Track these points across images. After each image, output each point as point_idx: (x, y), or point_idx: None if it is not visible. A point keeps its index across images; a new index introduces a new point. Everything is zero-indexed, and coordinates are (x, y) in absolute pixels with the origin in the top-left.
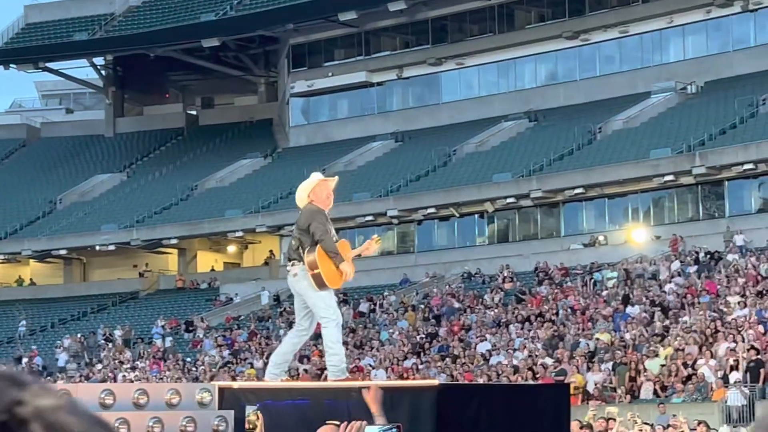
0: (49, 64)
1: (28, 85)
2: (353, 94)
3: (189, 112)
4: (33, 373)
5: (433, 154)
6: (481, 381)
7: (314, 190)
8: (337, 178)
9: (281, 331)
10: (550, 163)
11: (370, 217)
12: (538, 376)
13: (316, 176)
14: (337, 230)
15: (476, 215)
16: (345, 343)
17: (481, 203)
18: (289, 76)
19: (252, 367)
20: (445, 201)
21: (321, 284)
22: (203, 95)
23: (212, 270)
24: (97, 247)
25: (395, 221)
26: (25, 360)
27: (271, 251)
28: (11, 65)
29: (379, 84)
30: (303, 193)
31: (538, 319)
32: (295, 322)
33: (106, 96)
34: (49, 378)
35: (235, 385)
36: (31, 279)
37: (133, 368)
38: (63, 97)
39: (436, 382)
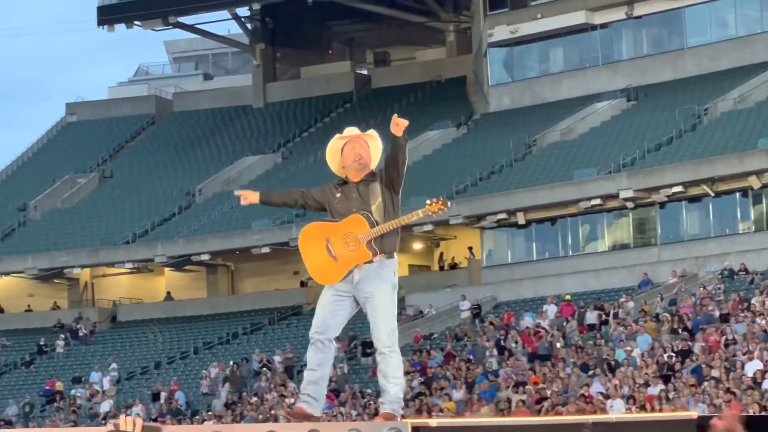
0: (182, 19)
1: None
2: (570, 41)
3: (358, 71)
4: (172, 412)
5: (677, 116)
6: (751, 412)
7: (344, 157)
8: (350, 130)
9: (486, 353)
10: None
11: (597, 201)
12: None
13: (339, 140)
14: (555, 218)
15: (737, 193)
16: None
17: (743, 177)
18: (485, 21)
19: (450, 399)
20: (695, 176)
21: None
22: (376, 50)
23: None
24: (252, 251)
25: (630, 205)
26: (163, 395)
27: (470, 248)
28: (135, 23)
29: (603, 26)
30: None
31: None
32: (326, 337)
33: (254, 56)
34: (194, 417)
35: (432, 422)
36: (167, 292)
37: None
38: (199, 59)
39: (693, 414)
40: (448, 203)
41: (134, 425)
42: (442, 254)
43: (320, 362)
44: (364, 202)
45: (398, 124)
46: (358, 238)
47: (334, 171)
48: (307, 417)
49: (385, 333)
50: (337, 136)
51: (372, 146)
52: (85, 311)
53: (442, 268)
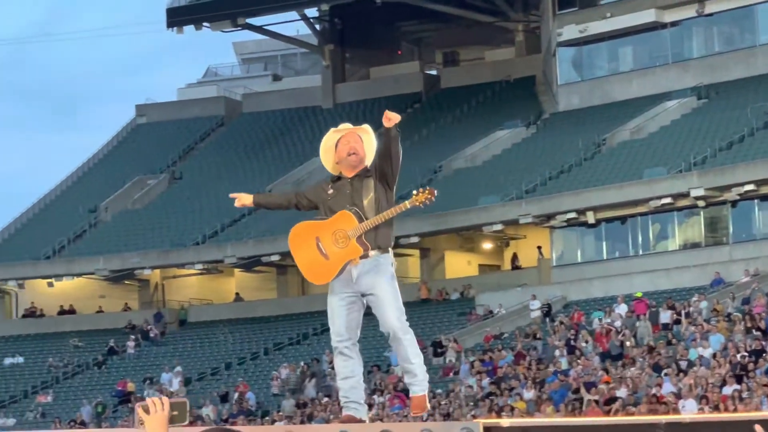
0: (251, 20)
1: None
2: (640, 40)
3: (428, 71)
4: (243, 413)
5: (749, 114)
6: None
7: (338, 152)
8: (344, 126)
9: (556, 352)
10: None
11: (667, 200)
12: None
13: (333, 135)
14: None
15: None
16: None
17: None
18: (554, 20)
19: (521, 399)
20: (767, 175)
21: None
22: (445, 49)
23: (464, 275)
24: None
25: (701, 203)
26: (234, 396)
27: (539, 248)
28: (204, 24)
29: (674, 24)
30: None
31: None
32: (350, 343)
33: (323, 57)
34: (264, 418)
35: (504, 422)
36: (236, 293)
37: (368, 405)
38: (268, 60)
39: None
40: (435, 192)
41: (162, 404)
42: (515, 254)
43: (352, 368)
44: (357, 198)
45: (390, 119)
46: (347, 234)
47: (328, 168)
48: (355, 422)
49: (395, 318)
50: (332, 130)
51: (366, 141)
52: (155, 312)
53: (517, 268)
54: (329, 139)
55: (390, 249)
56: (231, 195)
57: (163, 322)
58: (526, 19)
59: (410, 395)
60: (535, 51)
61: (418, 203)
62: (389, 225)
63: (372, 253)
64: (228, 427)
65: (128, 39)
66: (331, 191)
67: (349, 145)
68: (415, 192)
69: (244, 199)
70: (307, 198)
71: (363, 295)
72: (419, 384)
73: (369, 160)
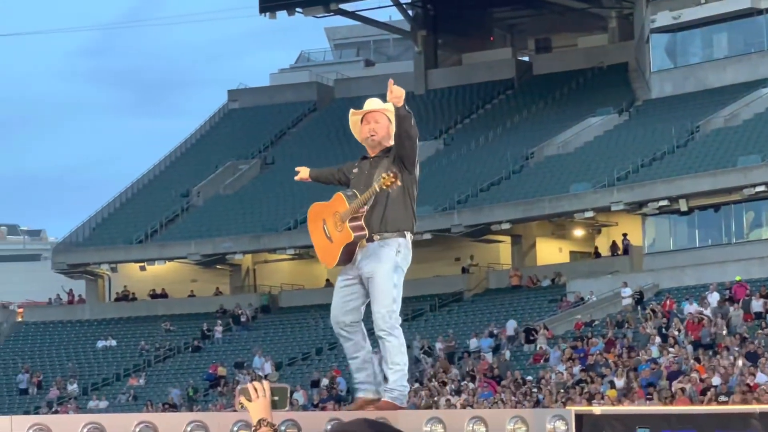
0: (343, 6)
1: (317, 34)
2: (735, 26)
3: (520, 58)
4: (333, 398)
5: None
6: None
7: (361, 132)
8: (369, 102)
9: (648, 340)
10: None
11: (761, 188)
12: None
13: (355, 114)
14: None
15: None
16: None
17: None
18: (648, 7)
19: (612, 387)
20: None
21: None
22: (537, 36)
23: (556, 262)
24: None
25: None
26: (324, 382)
27: (624, 235)
28: (296, 9)
29: None
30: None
31: None
32: (344, 325)
33: (415, 43)
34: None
35: (596, 410)
36: (327, 279)
37: (458, 391)
38: (361, 46)
39: None
40: (397, 177)
41: (264, 390)
42: (614, 242)
43: (355, 349)
44: (370, 179)
45: (393, 92)
46: (341, 217)
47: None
48: (369, 404)
49: (381, 316)
50: (352, 111)
51: (392, 119)
52: (246, 297)
53: (615, 254)
54: (352, 117)
55: (406, 233)
56: (296, 168)
57: (254, 306)
58: (619, 5)
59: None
60: (628, 37)
61: (384, 187)
62: (403, 207)
63: (377, 237)
64: (372, 419)
65: (221, 24)
66: (355, 170)
67: (369, 126)
68: (384, 175)
69: (302, 173)
70: (344, 173)
71: (363, 279)
72: (390, 392)
73: (390, 141)
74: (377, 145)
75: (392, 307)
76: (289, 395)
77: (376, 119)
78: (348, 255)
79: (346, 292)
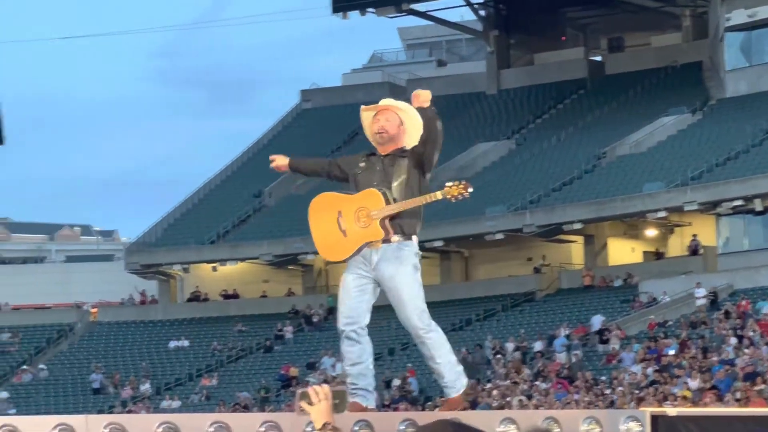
0: (415, 6)
1: (389, 34)
2: None
3: (592, 57)
4: (406, 399)
5: None
6: None
7: (370, 129)
8: (383, 102)
9: (723, 341)
10: None
11: None
12: None
13: (366, 111)
14: None
15: None
16: None
17: None
18: (722, 5)
19: (687, 387)
20: None
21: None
22: (610, 35)
23: (628, 262)
24: (485, 237)
25: None
26: (396, 383)
27: (694, 236)
28: (369, 10)
29: None
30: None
31: None
32: (358, 326)
33: (487, 43)
34: (427, 404)
35: (671, 411)
36: None
37: (529, 394)
38: (433, 46)
39: None
40: (470, 188)
41: (325, 394)
42: (692, 240)
43: (360, 353)
44: (387, 178)
45: (419, 96)
46: (371, 214)
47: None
48: (364, 411)
49: (416, 317)
50: (363, 108)
51: (406, 120)
52: (318, 298)
53: (695, 252)
54: (363, 114)
55: (414, 238)
56: (271, 157)
57: (325, 307)
58: (693, 3)
59: (445, 397)
60: (701, 36)
61: (449, 196)
62: (416, 213)
63: (395, 238)
64: (456, 421)
65: (293, 24)
66: (362, 164)
67: (378, 124)
68: (449, 184)
69: (279, 161)
70: (340, 167)
71: (379, 281)
72: (449, 386)
73: (407, 141)
74: (387, 142)
75: (423, 306)
76: (347, 398)
77: (387, 117)
78: (359, 252)
79: (362, 292)
